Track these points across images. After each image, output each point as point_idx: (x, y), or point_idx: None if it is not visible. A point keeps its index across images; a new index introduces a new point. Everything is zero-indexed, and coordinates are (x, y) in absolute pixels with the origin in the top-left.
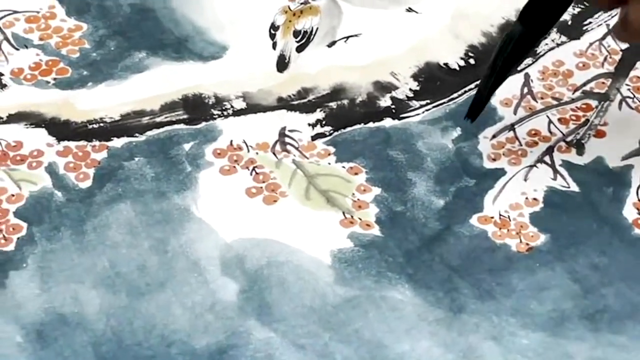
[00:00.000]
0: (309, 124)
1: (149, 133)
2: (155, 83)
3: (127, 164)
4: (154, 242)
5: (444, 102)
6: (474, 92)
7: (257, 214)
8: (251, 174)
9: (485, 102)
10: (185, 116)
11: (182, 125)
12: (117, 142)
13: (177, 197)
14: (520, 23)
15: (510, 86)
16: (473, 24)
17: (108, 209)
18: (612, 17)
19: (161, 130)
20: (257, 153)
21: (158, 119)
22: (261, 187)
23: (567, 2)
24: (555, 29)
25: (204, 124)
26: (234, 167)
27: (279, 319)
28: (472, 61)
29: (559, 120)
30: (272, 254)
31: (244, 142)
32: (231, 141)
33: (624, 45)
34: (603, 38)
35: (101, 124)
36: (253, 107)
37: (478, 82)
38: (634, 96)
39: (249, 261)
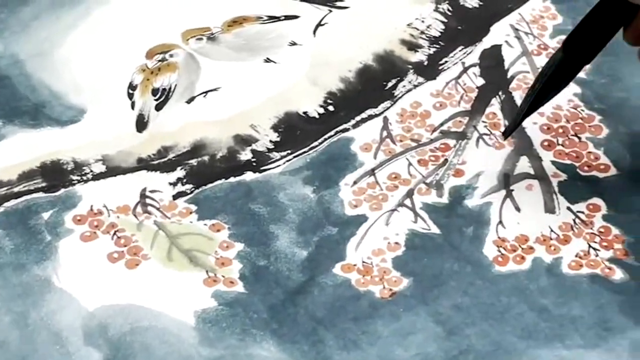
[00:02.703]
0: (170, 183)
1: (7, 204)
2: (13, 152)
3: None
4: (14, 317)
5: (305, 152)
6: (334, 139)
7: (120, 280)
8: (112, 239)
9: (519, 123)
10: (43, 184)
11: (40, 194)
12: None
13: (37, 268)
14: (563, 50)
15: (370, 130)
16: (331, 70)
17: None
18: (468, 54)
19: (19, 200)
20: (118, 217)
21: (16, 189)
22: (123, 252)
23: (611, 32)
24: (412, 70)
25: (63, 190)
26: (95, 232)
27: None
28: (331, 108)
29: (418, 162)
30: (136, 319)
31: (105, 206)
32: (91, 206)
33: (480, 83)
34: (459, 76)
35: None
36: (113, 170)
37: (339, 129)
38: (491, 133)
39: (112, 329)
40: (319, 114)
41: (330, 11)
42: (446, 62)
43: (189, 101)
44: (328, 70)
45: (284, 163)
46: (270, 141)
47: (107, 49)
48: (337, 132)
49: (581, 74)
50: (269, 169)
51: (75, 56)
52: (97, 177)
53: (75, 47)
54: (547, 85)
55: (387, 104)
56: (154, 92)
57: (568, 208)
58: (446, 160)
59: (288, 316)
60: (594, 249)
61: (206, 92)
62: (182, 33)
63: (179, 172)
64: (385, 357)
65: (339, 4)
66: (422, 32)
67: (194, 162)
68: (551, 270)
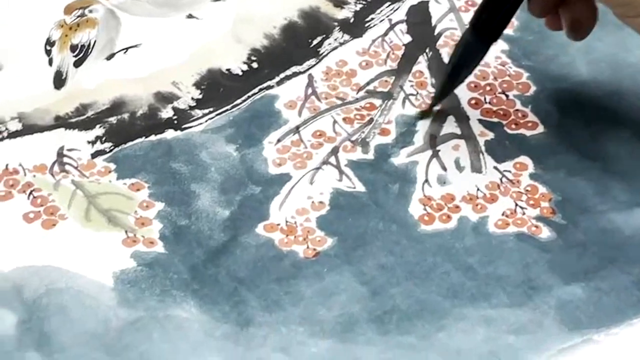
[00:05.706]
0: (89, 142)
1: None
2: None
3: None
4: None
5: (228, 109)
6: (257, 96)
7: (36, 240)
8: (28, 198)
9: (434, 106)
10: None
11: None
12: None
13: None
14: (472, 29)
15: (295, 88)
16: (255, 27)
17: None
18: (395, 11)
19: None
20: (34, 176)
21: None
22: (39, 212)
23: (514, 7)
24: (338, 27)
25: None
26: (10, 192)
27: (59, 349)
28: (255, 65)
29: (344, 119)
30: (52, 281)
31: (20, 165)
32: (7, 165)
33: (407, 40)
34: (385, 34)
35: None
36: (29, 128)
37: (262, 86)
38: (417, 93)
39: (27, 291)
40: (242, 71)
41: None
42: (373, 19)
43: (109, 58)
44: (252, 27)
45: (206, 121)
46: (192, 98)
47: (23, 3)
48: (260, 90)
49: (509, 31)
50: (191, 127)
51: None
52: (13, 135)
53: None
54: (457, 66)
55: (312, 61)
56: (73, 48)
57: (495, 167)
58: (372, 119)
59: (209, 277)
60: (521, 207)
61: (126, 49)
62: None
63: (98, 130)
64: (308, 318)
65: None
66: None
67: (113, 120)
68: (477, 229)
